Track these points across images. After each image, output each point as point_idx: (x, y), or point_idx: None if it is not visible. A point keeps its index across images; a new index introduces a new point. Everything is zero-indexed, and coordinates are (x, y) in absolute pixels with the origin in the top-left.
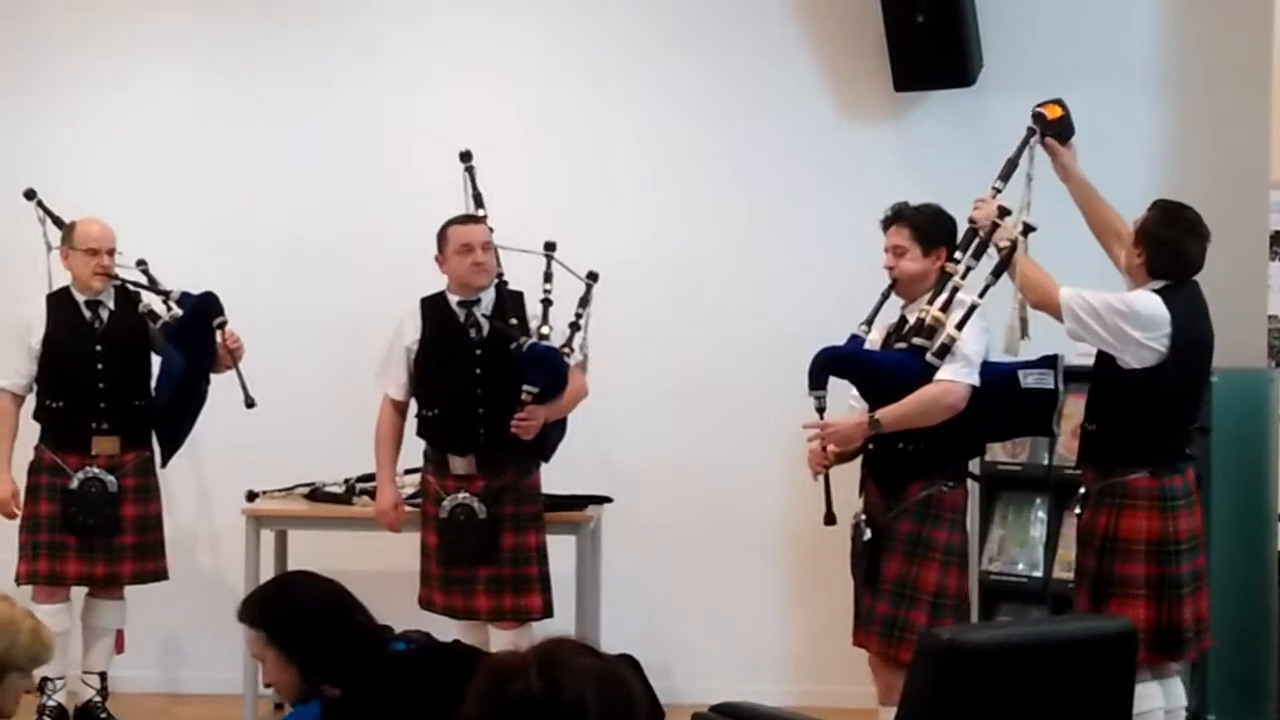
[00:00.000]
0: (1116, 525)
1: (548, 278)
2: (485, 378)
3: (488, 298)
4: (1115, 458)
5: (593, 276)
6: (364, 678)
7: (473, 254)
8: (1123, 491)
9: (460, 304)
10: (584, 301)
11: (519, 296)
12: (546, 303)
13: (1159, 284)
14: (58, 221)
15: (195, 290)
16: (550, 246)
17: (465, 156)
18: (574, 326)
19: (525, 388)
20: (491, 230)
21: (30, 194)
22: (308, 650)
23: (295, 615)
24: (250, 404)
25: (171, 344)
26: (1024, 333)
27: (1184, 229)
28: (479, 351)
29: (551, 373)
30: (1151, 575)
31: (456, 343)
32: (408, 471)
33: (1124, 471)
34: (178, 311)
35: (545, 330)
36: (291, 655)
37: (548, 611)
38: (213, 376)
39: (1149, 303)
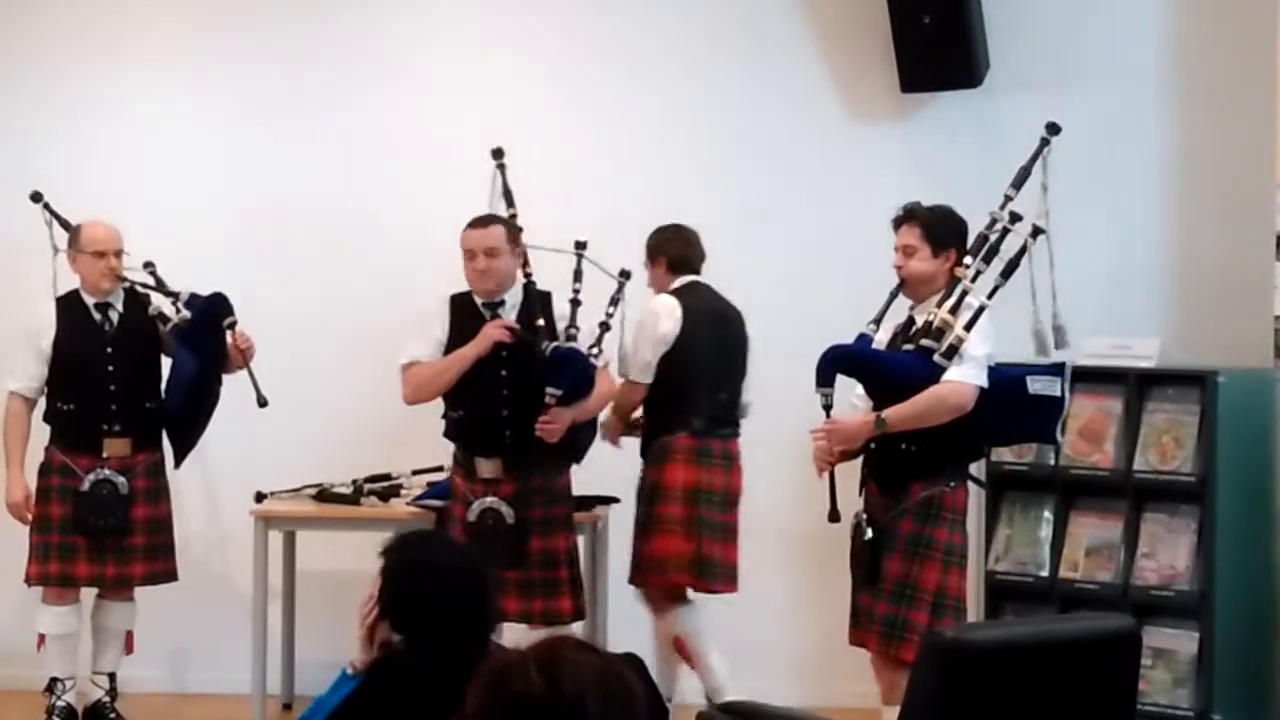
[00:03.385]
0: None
1: (577, 276)
2: (510, 380)
3: (514, 299)
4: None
5: (625, 274)
6: (375, 673)
7: (474, 260)
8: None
9: (485, 306)
10: (615, 300)
11: (547, 297)
12: (575, 303)
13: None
14: (65, 224)
15: (204, 291)
16: (581, 245)
17: (497, 154)
18: (604, 326)
19: (549, 391)
20: (520, 230)
21: (37, 196)
22: (393, 601)
23: (404, 565)
24: (263, 403)
25: (183, 346)
26: (1061, 341)
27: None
28: (504, 354)
29: (576, 376)
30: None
31: None
32: (415, 472)
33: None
34: (187, 313)
35: (572, 331)
36: (381, 593)
37: (578, 614)
38: (224, 377)
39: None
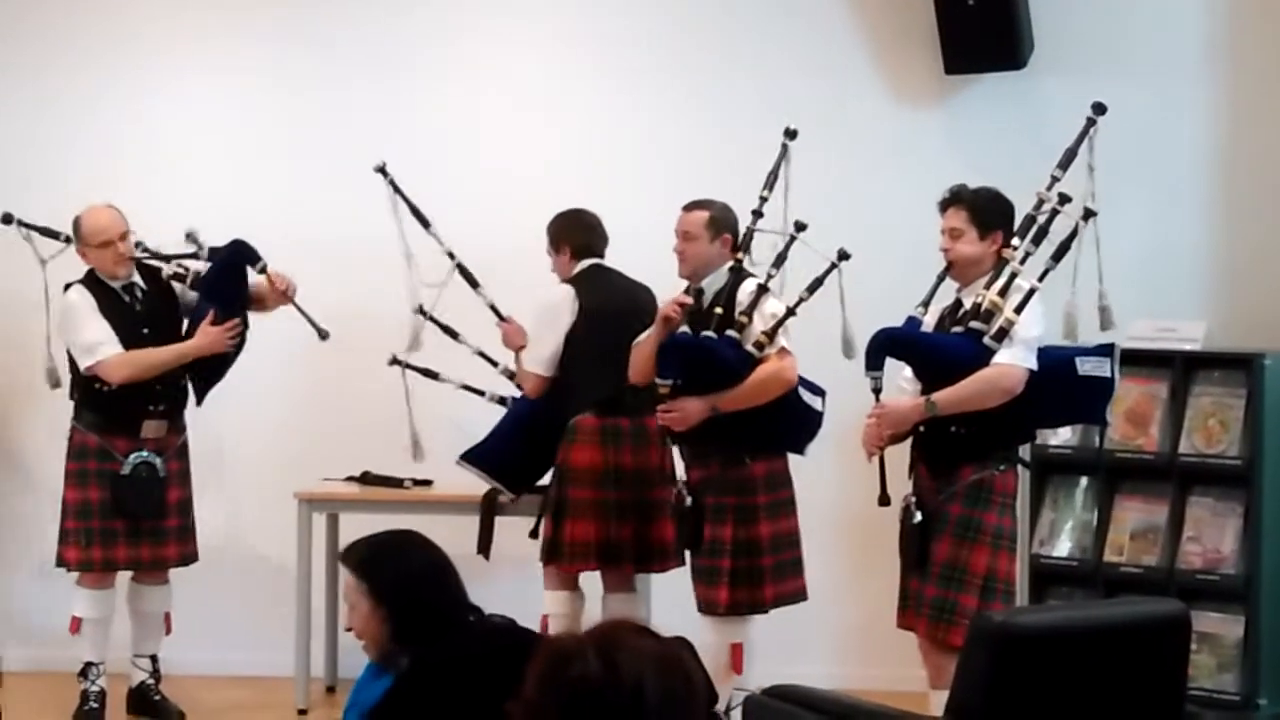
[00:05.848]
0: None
1: (778, 261)
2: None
3: (713, 286)
4: None
5: (843, 255)
6: (428, 654)
7: (676, 242)
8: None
9: (696, 292)
10: (814, 285)
11: (734, 283)
12: (762, 288)
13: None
14: (46, 233)
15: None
16: (800, 226)
17: (790, 134)
18: (790, 311)
19: (657, 380)
20: (760, 218)
21: (8, 218)
22: (404, 614)
23: (401, 576)
24: (324, 336)
25: (204, 298)
26: (1106, 323)
27: None
28: None
29: (690, 364)
30: None
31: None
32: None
33: None
34: (206, 265)
35: (741, 319)
36: (388, 614)
37: (735, 608)
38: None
39: None
